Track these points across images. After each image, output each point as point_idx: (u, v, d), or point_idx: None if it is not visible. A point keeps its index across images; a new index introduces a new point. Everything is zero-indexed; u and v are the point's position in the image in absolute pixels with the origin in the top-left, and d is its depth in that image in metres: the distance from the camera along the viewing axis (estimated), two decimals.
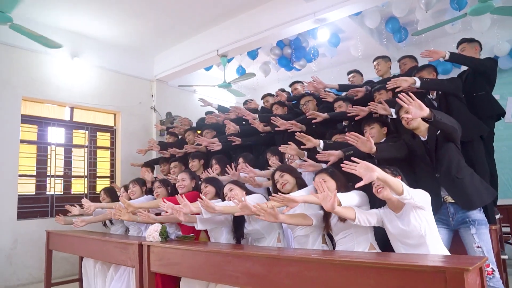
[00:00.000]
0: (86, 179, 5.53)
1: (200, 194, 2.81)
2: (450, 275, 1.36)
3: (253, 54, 6.02)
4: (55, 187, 5.13)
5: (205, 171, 3.70)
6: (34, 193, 4.96)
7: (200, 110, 5.97)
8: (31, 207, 4.84)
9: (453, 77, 3.21)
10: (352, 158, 1.89)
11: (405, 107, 2.24)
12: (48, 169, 5.11)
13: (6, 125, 4.59)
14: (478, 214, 2.31)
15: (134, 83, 6.13)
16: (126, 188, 3.99)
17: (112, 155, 5.93)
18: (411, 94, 2.23)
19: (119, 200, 3.67)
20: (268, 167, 3.40)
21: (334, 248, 2.41)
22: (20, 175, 4.74)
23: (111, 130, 5.97)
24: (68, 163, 5.37)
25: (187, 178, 3.34)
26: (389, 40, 6.10)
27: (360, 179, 1.83)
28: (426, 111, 2.18)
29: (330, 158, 2.74)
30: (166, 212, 2.78)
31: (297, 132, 3.11)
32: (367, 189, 2.14)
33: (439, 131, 2.39)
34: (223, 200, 2.77)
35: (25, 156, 4.90)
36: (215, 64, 6.15)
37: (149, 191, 3.87)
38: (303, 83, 4.66)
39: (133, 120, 6.05)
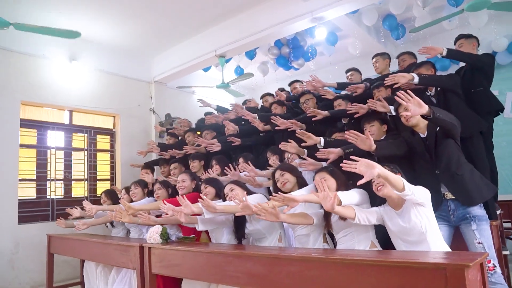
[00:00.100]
0: (86, 182, 5.53)
1: (201, 194, 2.81)
2: (451, 271, 1.36)
3: (251, 54, 6.02)
4: (55, 191, 5.13)
5: (206, 171, 3.70)
6: (34, 197, 4.96)
7: (199, 111, 5.97)
8: (32, 211, 4.84)
9: (451, 73, 3.20)
10: (351, 156, 1.89)
11: (404, 104, 2.23)
12: (48, 172, 5.11)
13: (5, 130, 4.59)
14: (478, 210, 2.31)
15: (133, 85, 6.13)
16: (127, 190, 3.99)
17: (112, 157, 5.93)
18: (409, 91, 2.22)
19: (120, 203, 3.68)
20: (268, 167, 3.40)
21: (335, 247, 2.41)
22: (20, 179, 4.73)
23: (110, 133, 5.97)
24: (68, 167, 5.36)
25: (187, 179, 3.34)
26: (386, 38, 6.10)
27: (360, 177, 1.82)
28: (425, 108, 2.18)
29: (330, 156, 2.75)
30: (167, 214, 2.79)
31: (298, 129, 3.11)
32: (367, 187, 2.14)
33: (438, 128, 2.39)
34: (224, 200, 2.76)
35: (25, 160, 4.90)
36: (213, 65, 6.15)
37: (150, 193, 3.87)
38: (302, 83, 4.67)
39: (132, 123, 6.05)
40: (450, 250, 2.06)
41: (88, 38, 5.45)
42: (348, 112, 3.26)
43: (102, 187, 5.62)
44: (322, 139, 2.98)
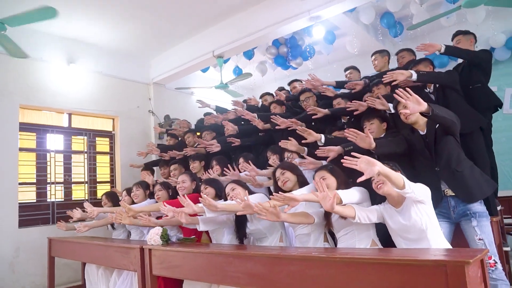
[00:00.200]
0: (86, 185, 5.53)
1: (201, 194, 2.80)
2: (451, 268, 1.36)
3: (249, 54, 6.02)
4: (55, 194, 5.12)
5: (206, 172, 3.70)
6: (34, 201, 4.95)
7: (198, 111, 5.96)
8: (32, 214, 4.83)
9: (449, 70, 3.21)
10: (352, 153, 1.88)
11: (403, 102, 2.23)
12: (48, 176, 5.10)
13: (4, 134, 4.59)
14: (479, 207, 2.31)
15: (131, 87, 6.13)
16: (128, 191, 3.98)
17: (112, 160, 5.93)
18: (408, 89, 2.22)
19: (120, 205, 3.68)
20: (268, 167, 3.40)
21: (336, 246, 2.40)
22: (20, 183, 4.73)
23: (110, 135, 5.97)
24: (68, 170, 5.36)
25: (187, 180, 3.33)
26: (384, 36, 6.10)
27: (360, 174, 1.82)
28: (424, 105, 2.18)
29: (330, 154, 2.74)
30: (167, 215, 2.78)
31: (299, 126, 3.10)
32: (367, 185, 2.14)
33: (438, 125, 2.38)
34: (225, 200, 2.76)
35: (25, 164, 4.89)
36: (211, 66, 6.15)
37: (152, 195, 3.87)
38: (301, 82, 4.66)
39: (131, 124, 6.05)
40: (450, 247, 2.06)
41: (86, 40, 5.46)
42: (348, 109, 3.26)
43: (102, 189, 5.62)
44: (322, 136, 2.98)
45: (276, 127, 3.51)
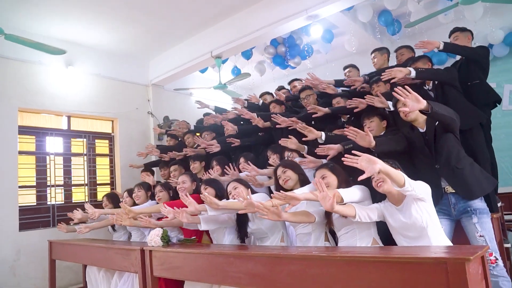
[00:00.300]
0: (86, 187, 5.52)
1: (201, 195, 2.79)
2: (451, 265, 1.36)
3: (247, 54, 6.02)
4: (55, 197, 5.12)
5: (206, 172, 3.70)
6: (35, 204, 4.94)
7: (197, 112, 5.96)
8: (33, 217, 4.83)
9: (448, 67, 3.20)
10: (353, 151, 1.88)
11: (402, 100, 2.23)
12: (48, 179, 5.10)
13: (3, 137, 4.58)
14: (479, 203, 2.31)
15: (130, 89, 6.12)
16: (129, 192, 3.97)
17: (112, 161, 5.92)
18: (407, 87, 2.22)
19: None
20: (268, 166, 3.40)
21: (336, 245, 2.40)
22: (20, 186, 4.72)
23: (109, 137, 5.96)
24: (67, 172, 5.35)
25: (187, 180, 3.33)
26: (382, 34, 6.10)
27: (361, 172, 1.81)
28: (423, 103, 2.17)
29: (330, 152, 2.73)
30: (167, 217, 2.78)
31: (299, 124, 3.09)
32: (367, 183, 2.13)
33: (437, 122, 2.38)
34: (227, 199, 2.75)
35: (24, 167, 4.88)
36: (210, 66, 6.14)
37: (153, 196, 3.86)
38: (301, 81, 4.65)
39: (130, 126, 6.04)
40: (451, 244, 2.06)
41: (84, 43, 5.45)
42: (348, 106, 3.25)
43: (102, 191, 5.61)
44: (323, 133, 2.97)
45: (277, 126, 3.51)
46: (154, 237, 2.69)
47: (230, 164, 3.50)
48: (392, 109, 2.88)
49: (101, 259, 3.29)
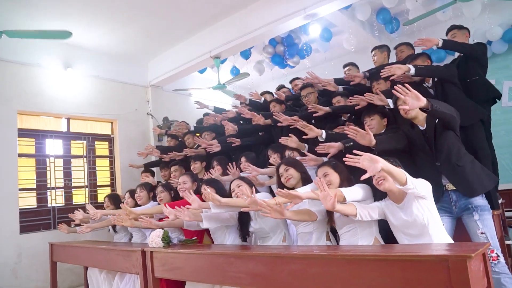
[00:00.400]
0: (86, 189, 5.53)
1: (203, 191, 2.78)
2: (453, 263, 1.35)
3: (246, 54, 6.02)
4: (56, 199, 5.12)
5: (207, 172, 3.70)
6: (35, 206, 4.95)
7: (197, 113, 5.96)
8: (33, 220, 4.83)
9: (447, 64, 3.20)
10: (354, 151, 1.87)
11: (402, 98, 2.22)
12: (48, 181, 5.10)
13: (3, 140, 4.59)
14: (480, 200, 2.31)
15: (129, 90, 6.12)
16: (131, 193, 3.97)
17: (112, 163, 5.92)
18: (407, 85, 2.21)
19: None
20: (269, 166, 3.39)
21: (338, 244, 2.39)
22: (20, 189, 4.73)
23: (109, 139, 5.96)
24: (67, 174, 5.35)
25: (188, 181, 3.32)
26: (381, 32, 6.09)
27: (361, 170, 1.81)
28: (423, 101, 2.17)
29: (330, 150, 2.72)
30: (167, 217, 2.77)
31: (300, 122, 3.08)
32: (368, 181, 2.13)
33: (437, 120, 2.38)
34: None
35: (24, 170, 4.89)
36: (208, 66, 6.14)
37: (155, 197, 3.86)
38: (302, 80, 4.64)
39: (130, 127, 6.04)
40: (452, 241, 2.05)
41: (82, 45, 5.45)
42: (349, 103, 3.24)
43: (102, 193, 5.62)
44: (323, 131, 2.96)
45: (278, 124, 3.49)
46: (155, 238, 2.69)
47: (231, 163, 3.50)
48: (392, 107, 2.87)
49: (102, 260, 3.29)
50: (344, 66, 4.28)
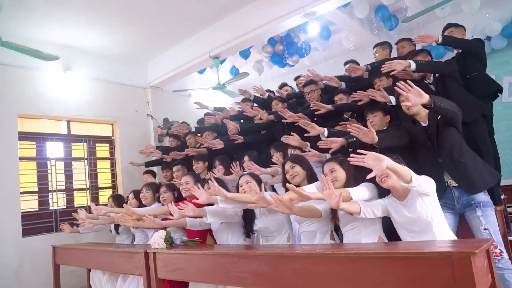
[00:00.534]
0: (88, 191, 5.52)
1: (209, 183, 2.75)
2: (457, 259, 1.35)
3: (245, 54, 6.01)
4: (57, 202, 5.12)
5: (210, 172, 3.70)
6: (37, 209, 4.94)
7: (197, 113, 5.96)
8: (35, 223, 4.83)
9: (448, 59, 3.20)
10: (359, 150, 1.86)
11: (404, 95, 2.22)
12: (50, 184, 5.10)
13: (4, 143, 4.58)
14: (483, 196, 2.31)
15: (129, 92, 6.12)
16: (135, 194, 3.96)
17: (113, 165, 5.92)
18: (409, 81, 2.21)
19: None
20: (272, 165, 3.39)
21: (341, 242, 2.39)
22: (22, 192, 4.72)
23: (109, 141, 5.96)
24: (69, 177, 5.35)
25: (190, 181, 3.32)
26: (380, 29, 6.08)
27: (365, 168, 1.80)
28: (425, 98, 2.16)
29: (333, 145, 2.71)
30: (169, 219, 2.77)
31: (301, 120, 3.08)
32: (371, 178, 2.11)
33: (440, 116, 2.37)
34: None
35: (26, 173, 4.89)
36: (208, 67, 6.13)
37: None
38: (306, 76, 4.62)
39: (130, 129, 6.04)
40: (456, 238, 2.05)
41: (81, 47, 5.44)
42: (352, 99, 3.22)
43: (104, 195, 5.62)
44: (325, 129, 2.95)
45: (283, 120, 3.49)
46: (157, 239, 2.69)
47: (233, 163, 3.50)
48: (394, 103, 2.87)
49: (105, 262, 3.29)
50: (345, 64, 4.27)
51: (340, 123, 3.18)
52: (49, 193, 5.08)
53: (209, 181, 2.66)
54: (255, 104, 4.62)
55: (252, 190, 2.24)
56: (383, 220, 2.23)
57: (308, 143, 3.12)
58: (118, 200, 4.23)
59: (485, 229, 2.24)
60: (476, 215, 2.28)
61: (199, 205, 2.73)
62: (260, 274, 1.95)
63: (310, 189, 2.27)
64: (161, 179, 4.99)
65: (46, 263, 4.40)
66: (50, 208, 5.05)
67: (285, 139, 3.13)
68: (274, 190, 3.27)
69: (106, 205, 4.33)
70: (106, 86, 5.80)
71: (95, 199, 5.58)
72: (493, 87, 3.06)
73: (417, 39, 3.08)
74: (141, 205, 3.78)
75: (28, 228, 4.68)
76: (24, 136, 4.93)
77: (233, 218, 2.76)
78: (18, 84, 4.84)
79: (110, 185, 5.85)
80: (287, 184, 2.21)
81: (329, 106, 3.39)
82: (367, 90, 3.07)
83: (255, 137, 4.23)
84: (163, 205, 3.40)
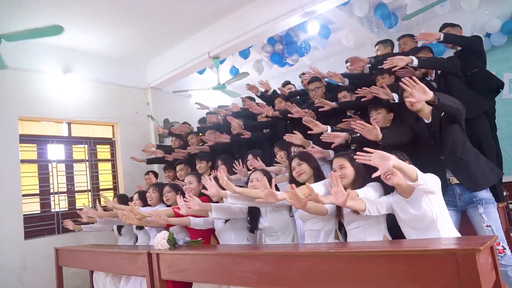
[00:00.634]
0: (89, 193, 5.53)
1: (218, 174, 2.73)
2: (461, 256, 1.35)
3: (245, 54, 6.01)
4: (59, 204, 5.12)
5: (213, 171, 3.70)
6: (39, 212, 4.94)
7: (197, 114, 5.95)
8: (37, 225, 4.83)
9: (450, 56, 3.20)
10: (365, 148, 1.85)
11: (408, 91, 2.22)
12: (51, 186, 5.10)
13: (5, 146, 4.58)
14: (485, 193, 2.31)
15: (129, 93, 6.11)
16: (140, 194, 3.95)
17: (114, 166, 5.92)
18: (414, 78, 2.21)
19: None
20: (275, 164, 3.38)
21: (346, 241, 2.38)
22: (23, 195, 4.72)
23: (110, 142, 5.96)
24: (70, 179, 5.35)
25: (194, 180, 3.31)
26: (379, 27, 6.08)
27: (370, 166, 1.80)
28: (429, 94, 2.16)
29: (336, 140, 2.69)
30: (176, 215, 2.75)
31: (305, 117, 3.07)
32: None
33: (443, 113, 2.37)
34: None
35: (27, 175, 4.89)
36: (208, 67, 6.14)
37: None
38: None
39: (131, 130, 6.04)
40: (460, 235, 2.05)
41: (81, 48, 5.44)
42: (356, 95, 3.21)
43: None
44: (328, 127, 2.94)
45: (289, 115, 3.47)
46: (160, 240, 2.69)
47: (235, 162, 3.50)
48: (397, 101, 2.86)
49: (108, 264, 3.29)
50: (347, 62, 4.27)
51: (343, 120, 3.17)
52: (51, 195, 5.08)
53: (218, 173, 2.56)
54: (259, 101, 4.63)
55: (262, 185, 2.20)
56: (387, 219, 2.23)
57: (311, 142, 3.11)
58: (123, 200, 4.23)
59: (487, 226, 2.24)
60: (478, 212, 2.28)
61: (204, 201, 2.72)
62: (264, 273, 1.95)
63: (316, 187, 2.26)
64: (163, 180, 5.00)
65: (49, 265, 4.41)
66: (52, 210, 5.05)
67: (287, 137, 3.12)
68: (277, 189, 3.25)
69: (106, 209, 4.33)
70: (106, 88, 5.80)
71: (96, 200, 5.57)
72: (494, 83, 3.06)
73: (419, 37, 3.08)
74: (145, 205, 3.78)
75: (30, 231, 4.69)
76: (25, 139, 4.93)
77: (238, 215, 2.73)
78: (18, 87, 4.84)
79: (111, 186, 5.85)
80: (307, 185, 2.13)
81: (333, 104, 3.37)
82: (371, 87, 3.06)
83: (260, 135, 4.23)
84: (168, 205, 3.40)
